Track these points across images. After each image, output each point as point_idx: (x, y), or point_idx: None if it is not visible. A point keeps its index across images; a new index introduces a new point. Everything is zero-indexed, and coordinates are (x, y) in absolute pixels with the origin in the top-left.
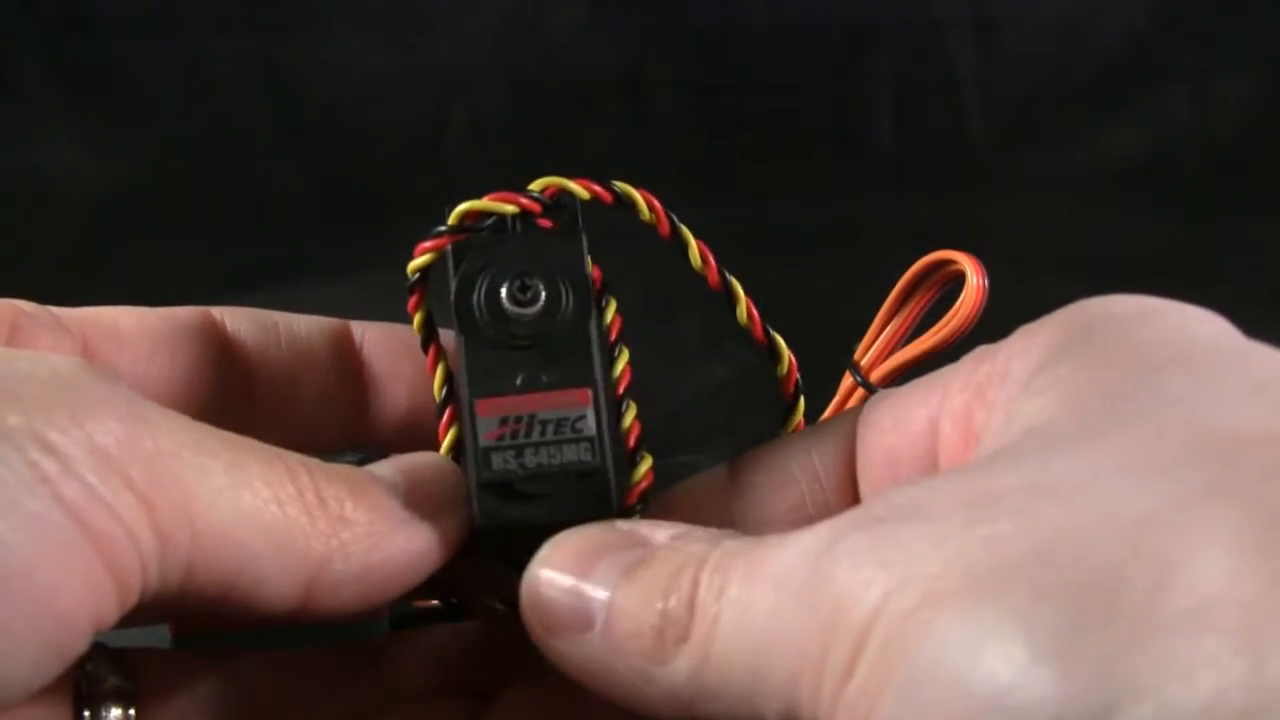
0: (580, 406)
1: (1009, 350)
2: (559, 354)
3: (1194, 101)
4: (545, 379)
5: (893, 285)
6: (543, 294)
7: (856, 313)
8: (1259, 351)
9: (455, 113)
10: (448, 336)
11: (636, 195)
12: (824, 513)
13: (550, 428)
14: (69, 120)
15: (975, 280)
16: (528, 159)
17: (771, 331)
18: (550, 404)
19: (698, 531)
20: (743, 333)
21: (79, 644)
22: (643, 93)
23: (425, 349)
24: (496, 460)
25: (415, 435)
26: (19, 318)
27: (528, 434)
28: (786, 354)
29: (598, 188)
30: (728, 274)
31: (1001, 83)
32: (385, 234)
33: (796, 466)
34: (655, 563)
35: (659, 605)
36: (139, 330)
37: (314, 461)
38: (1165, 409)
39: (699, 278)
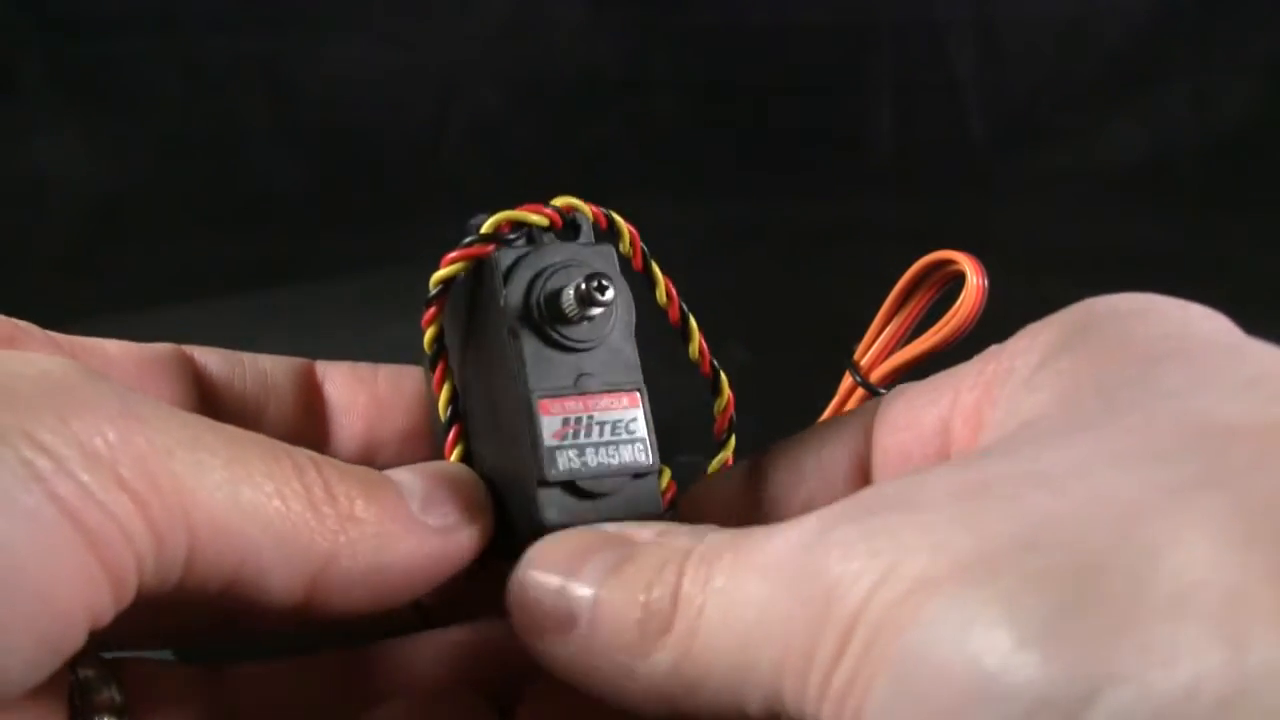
0: (631, 409)
1: (1014, 348)
2: (608, 356)
3: (1194, 101)
4: (598, 380)
5: (893, 285)
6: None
7: (856, 313)
8: (1256, 347)
9: (455, 113)
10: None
11: (625, 228)
12: None
13: (607, 428)
14: (69, 120)
15: (975, 280)
16: (528, 159)
17: (718, 368)
18: (605, 405)
19: (682, 528)
20: (694, 365)
21: (75, 640)
22: (643, 93)
23: (433, 365)
24: (562, 459)
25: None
26: (13, 331)
27: (588, 434)
28: (727, 393)
29: (600, 213)
30: (688, 311)
31: (1002, 83)
32: (385, 234)
33: (808, 465)
34: (639, 558)
35: (641, 598)
36: (124, 356)
37: (329, 460)
38: (1158, 400)
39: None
